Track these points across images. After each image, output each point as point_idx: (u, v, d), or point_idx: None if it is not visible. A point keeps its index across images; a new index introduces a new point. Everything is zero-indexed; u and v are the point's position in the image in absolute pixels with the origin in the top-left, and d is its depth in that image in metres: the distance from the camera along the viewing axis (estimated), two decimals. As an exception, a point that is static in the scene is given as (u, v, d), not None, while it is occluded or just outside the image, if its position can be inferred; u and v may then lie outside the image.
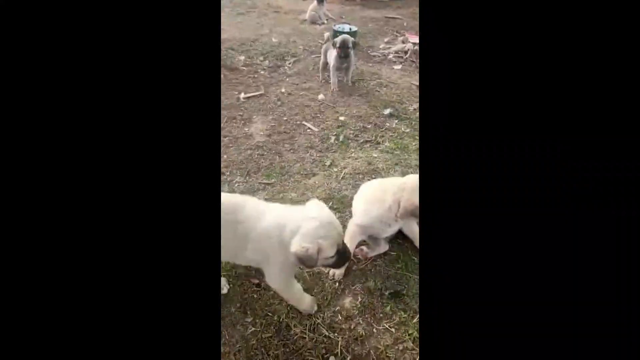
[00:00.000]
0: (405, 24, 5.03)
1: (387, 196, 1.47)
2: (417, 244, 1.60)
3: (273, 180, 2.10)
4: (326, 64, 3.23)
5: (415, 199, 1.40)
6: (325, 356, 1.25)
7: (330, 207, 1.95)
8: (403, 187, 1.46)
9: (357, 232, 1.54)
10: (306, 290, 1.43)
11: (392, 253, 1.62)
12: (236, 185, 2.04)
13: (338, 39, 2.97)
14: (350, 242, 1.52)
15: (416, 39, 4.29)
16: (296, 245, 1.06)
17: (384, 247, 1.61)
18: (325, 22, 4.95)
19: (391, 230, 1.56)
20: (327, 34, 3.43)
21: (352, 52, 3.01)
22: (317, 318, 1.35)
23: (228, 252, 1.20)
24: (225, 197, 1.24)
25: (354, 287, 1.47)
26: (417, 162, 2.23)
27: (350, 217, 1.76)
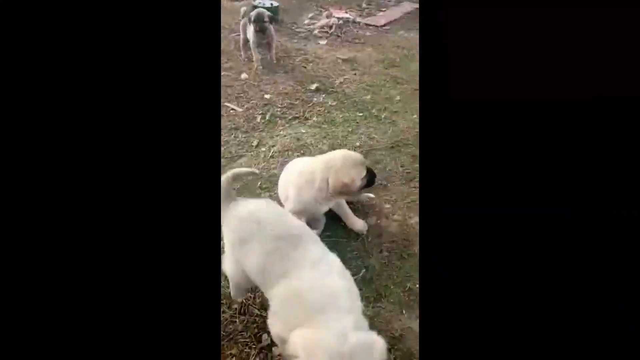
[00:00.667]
0: (329, -1, 4.97)
1: (316, 176, 1.44)
2: (347, 222, 1.58)
3: (193, 167, 1.93)
4: (246, 40, 3.03)
5: (344, 177, 1.39)
6: (258, 335, 1.22)
7: (259, 187, 1.89)
8: (330, 164, 1.45)
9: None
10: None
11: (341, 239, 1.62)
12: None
13: (253, 13, 2.80)
14: None
15: (340, 14, 4.27)
16: None
17: (323, 221, 1.60)
18: (246, -3, 4.63)
19: (328, 206, 1.54)
20: (243, 8, 3.21)
21: (270, 26, 2.86)
22: (247, 300, 1.30)
23: (264, 278, 1.01)
24: (289, 221, 1.10)
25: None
26: (344, 134, 2.26)
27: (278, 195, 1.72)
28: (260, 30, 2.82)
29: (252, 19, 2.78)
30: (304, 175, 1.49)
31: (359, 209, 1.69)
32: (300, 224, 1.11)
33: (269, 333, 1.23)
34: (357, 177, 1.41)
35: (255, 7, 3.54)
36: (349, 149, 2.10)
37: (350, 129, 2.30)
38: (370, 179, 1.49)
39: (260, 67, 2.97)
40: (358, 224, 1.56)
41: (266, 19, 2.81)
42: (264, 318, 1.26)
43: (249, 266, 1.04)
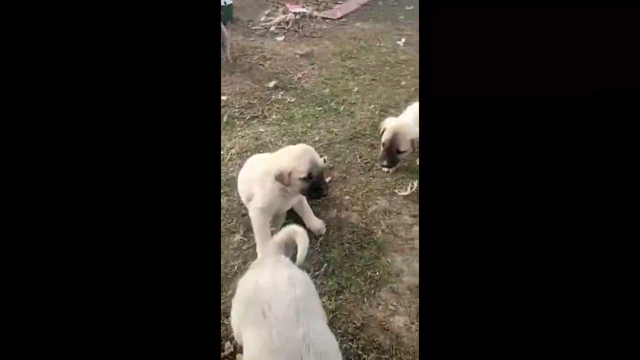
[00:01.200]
0: (285, -5, 4.90)
1: (272, 167, 1.40)
2: (306, 222, 1.54)
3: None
4: (199, 41, 2.93)
5: (281, 164, 1.36)
6: (220, 344, 1.19)
7: (217, 192, 1.84)
8: (282, 152, 1.42)
9: (262, 215, 1.45)
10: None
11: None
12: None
13: None
14: (261, 230, 1.42)
15: (297, 9, 4.22)
16: None
17: (282, 220, 1.57)
18: (199, -3, 4.46)
19: (292, 201, 1.52)
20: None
21: (222, 26, 2.77)
22: (207, 309, 1.26)
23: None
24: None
25: (245, 267, 1.42)
26: (303, 130, 2.24)
27: (239, 198, 1.67)
28: None
29: None
30: (265, 169, 1.45)
31: (319, 203, 1.69)
32: (311, 335, 0.83)
33: (231, 340, 1.20)
34: (296, 170, 1.34)
35: (206, 6, 3.43)
36: (308, 145, 2.10)
37: (309, 124, 2.28)
38: (314, 188, 1.37)
39: (216, 68, 2.88)
40: (316, 223, 1.54)
41: (216, 18, 2.72)
42: (226, 326, 1.23)
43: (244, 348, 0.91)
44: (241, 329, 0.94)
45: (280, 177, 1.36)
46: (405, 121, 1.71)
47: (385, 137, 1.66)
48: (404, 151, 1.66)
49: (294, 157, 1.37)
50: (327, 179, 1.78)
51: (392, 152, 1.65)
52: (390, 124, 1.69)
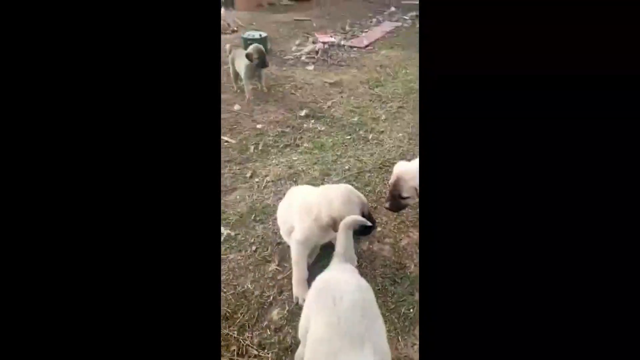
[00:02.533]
0: (314, 25, 5.17)
1: (312, 206, 1.43)
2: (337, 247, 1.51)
3: (189, 204, 1.98)
4: (237, 73, 3.16)
5: (333, 211, 1.35)
6: (258, 375, 1.23)
7: (253, 220, 1.93)
8: (326, 195, 1.42)
9: (301, 248, 1.47)
10: (233, 312, 1.38)
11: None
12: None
13: (253, 50, 2.91)
14: (298, 262, 1.45)
15: (326, 38, 4.44)
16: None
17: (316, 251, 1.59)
18: (236, 29, 4.84)
19: (331, 236, 1.50)
20: (228, 45, 3.36)
21: (264, 53, 2.99)
22: (245, 339, 1.32)
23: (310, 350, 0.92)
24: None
25: (280, 297, 1.46)
26: (333, 159, 2.31)
27: (274, 226, 1.75)
28: (264, 66, 2.93)
29: (254, 55, 2.90)
30: (303, 204, 1.48)
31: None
32: (373, 334, 0.91)
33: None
34: (348, 215, 1.33)
35: (246, 40, 3.70)
36: (338, 174, 2.17)
37: (339, 153, 2.36)
38: (366, 225, 1.37)
39: (252, 98, 3.08)
40: None
41: (265, 53, 2.94)
42: (262, 357, 1.27)
43: (308, 335, 1.00)
44: (310, 320, 1.01)
45: (333, 225, 1.36)
46: (412, 167, 1.61)
47: (390, 181, 1.63)
48: (407, 197, 1.58)
49: (344, 202, 1.37)
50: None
51: (395, 197, 1.59)
52: (397, 168, 1.63)
